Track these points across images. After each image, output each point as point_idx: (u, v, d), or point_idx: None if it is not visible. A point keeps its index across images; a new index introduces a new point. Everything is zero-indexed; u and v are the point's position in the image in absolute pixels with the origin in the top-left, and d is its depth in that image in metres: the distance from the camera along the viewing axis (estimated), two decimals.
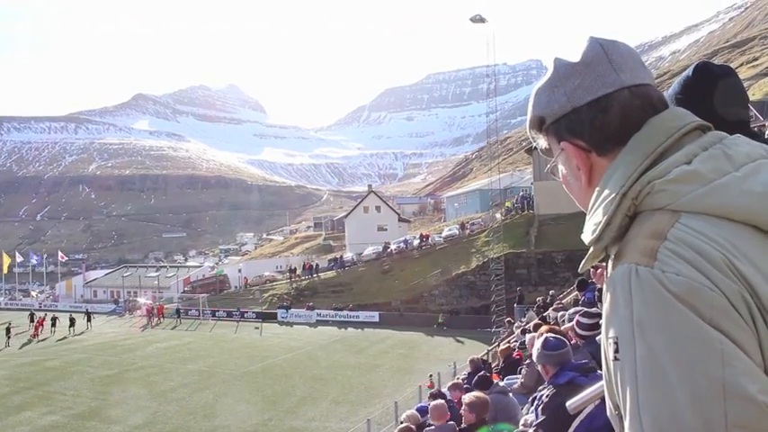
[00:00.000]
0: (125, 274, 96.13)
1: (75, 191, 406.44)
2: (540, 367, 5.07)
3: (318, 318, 59.19)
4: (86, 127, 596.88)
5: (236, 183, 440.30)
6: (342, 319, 57.95)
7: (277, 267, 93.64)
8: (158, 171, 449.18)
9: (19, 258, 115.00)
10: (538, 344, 5.06)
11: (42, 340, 51.47)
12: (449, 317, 52.55)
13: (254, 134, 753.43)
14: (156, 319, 62.45)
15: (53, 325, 55.13)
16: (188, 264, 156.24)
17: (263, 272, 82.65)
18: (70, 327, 55.20)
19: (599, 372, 4.48)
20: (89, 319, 59.47)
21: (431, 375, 26.35)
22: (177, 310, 64.48)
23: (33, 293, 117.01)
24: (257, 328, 55.94)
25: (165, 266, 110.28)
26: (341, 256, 75.44)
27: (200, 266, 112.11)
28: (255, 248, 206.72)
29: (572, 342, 6.74)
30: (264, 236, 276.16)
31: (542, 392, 4.89)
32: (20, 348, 47.08)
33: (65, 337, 52.77)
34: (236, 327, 57.33)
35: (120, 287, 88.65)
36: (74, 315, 58.62)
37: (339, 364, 37.01)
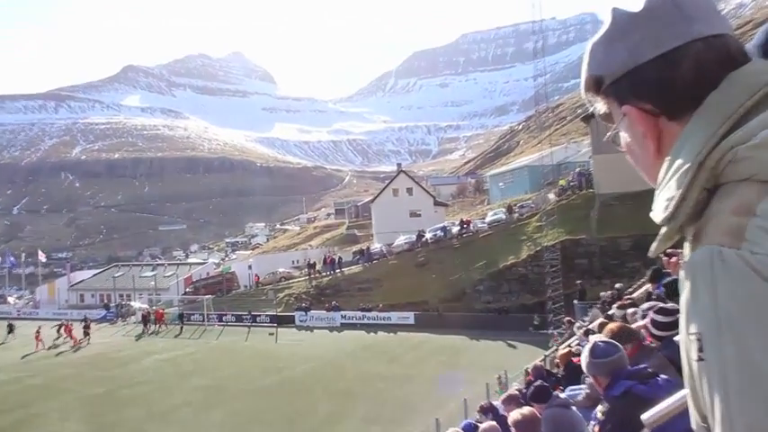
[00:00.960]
0: (116, 275, 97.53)
1: (56, 179, 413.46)
2: (591, 379, 5.01)
3: (343, 320, 59.51)
4: (68, 105, 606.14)
5: (244, 165, 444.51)
6: (370, 321, 58.14)
7: (293, 262, 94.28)
8: (152, 154, 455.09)
9: None
10: (586, 351, 5.00)
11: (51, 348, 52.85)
12: (497, 316, 52.48)
13: (263, 108, 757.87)
14: (153, 327, 63.37)
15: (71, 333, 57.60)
16: (189, 261, 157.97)
17: (277, 268, 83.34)
18: (57, 336, 56.61)
19: (660, 378, 4.39)
20: (85, 329, 59.71)
21: (499, 376, 26.27)
22: (180, 315, 65.26)
23: (11, 299, 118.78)
24: (272, 334, 56.33)
25: (163, 264, 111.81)
26: (367, 248, 75.58)
27: (204, 263, 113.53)
28: (267, 241, 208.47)
29: (645, 343, 6.63)
30: (278, 226, 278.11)
31: (597, 409, 4.82)
32: None
33: (52, 347, 53.96)
34: (246, 333, 57.83)
35: (111, 290, 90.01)
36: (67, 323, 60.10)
37: (369, 374, 37.08)
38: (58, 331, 58.30)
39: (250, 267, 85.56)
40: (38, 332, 55.94)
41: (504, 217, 67.34)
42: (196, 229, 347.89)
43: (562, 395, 9.32)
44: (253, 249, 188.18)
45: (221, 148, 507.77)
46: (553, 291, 49.08)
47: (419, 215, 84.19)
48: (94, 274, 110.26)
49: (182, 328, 62.24)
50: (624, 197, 51.59)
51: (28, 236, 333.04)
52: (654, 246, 1.31)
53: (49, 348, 54.09)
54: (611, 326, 6.48)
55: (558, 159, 79.85)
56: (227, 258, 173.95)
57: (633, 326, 7.77)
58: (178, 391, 34.88)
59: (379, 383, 34.59)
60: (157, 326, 63.59)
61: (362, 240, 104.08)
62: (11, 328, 58.81)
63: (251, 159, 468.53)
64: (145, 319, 64.19)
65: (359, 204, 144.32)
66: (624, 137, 1.42)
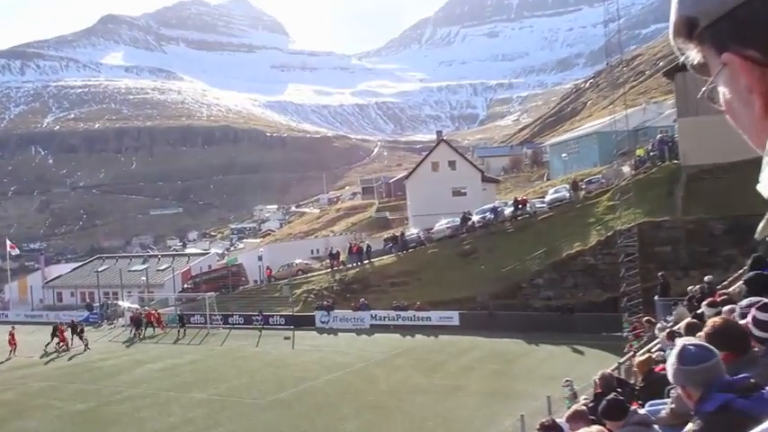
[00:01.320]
0: (100, 269, 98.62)
1: (24, 155, 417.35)
2: (679, 390, 4.98)
3: (373, 322, 59.87)
4: (37, 64, 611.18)
5: (251, 135, 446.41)
6: (406, 322, 58.36)
7: (312, 252, 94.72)
8: (140, 123, 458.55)
9: None
10: (672, 357, 4.96)
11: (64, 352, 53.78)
12: (559, 316, 52.38)
13: (273, 66, 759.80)
14: (145, 330, 64.08)
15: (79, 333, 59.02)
16: (187, 251, 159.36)
17: (294, 259, 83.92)
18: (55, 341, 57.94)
19: (766, 390, 4.36)
20: (79, 333, 59.89)
21: (567, 381, 26.43)
22: (180, 317, 65.59)
23: None
24: (288, 338, 56.86)
25: (156, 256, 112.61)
26: (401, 234, 75.76)
27: (205, 254, 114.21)
28: (281, 226, 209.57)
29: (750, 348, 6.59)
30: (293, 209, 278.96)
31: (686, 429, 4.81)
32: None
33: (44, 355, 55.17)
34: (257, 337, 58.39)
35: (95, 287, 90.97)
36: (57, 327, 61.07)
37: (405, 386, 37.34)
38: (54, 335, 58.93)
39: (260, 258, 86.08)
40: (12, 335, 57.04)
41: (567, 195, 67.08)
42: (194, 213, 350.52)
43: (641, 411, 9.34)
44: (263, 237, 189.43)
45: (223, 115, 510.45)
46: (629, 285, 48.87)
47: (464, 194, 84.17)
48: (74, 269, 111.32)
49: (183, 332, 62.85)
50: (717, 170, 51.11)
51: None
52: (760, 227, 1.28)
53: (42, 357, 55.27)
54: (715, 321, 6.41)
55: (635, 124, 79.29)
56: (232, 248, 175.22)
57: None
58: (176, 407, 35.47)
59: (417, 397, 34.83)
60: (151, 329, 64.36)
61: (395, 225, 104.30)
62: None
63: (259, 128, 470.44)
64: (135, 322, 64.94)
65: (390, 181, 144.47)
66: (723, 92, 1.38)
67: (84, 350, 56.73)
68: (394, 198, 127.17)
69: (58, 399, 38.97)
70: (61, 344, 58.20)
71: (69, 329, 60.09)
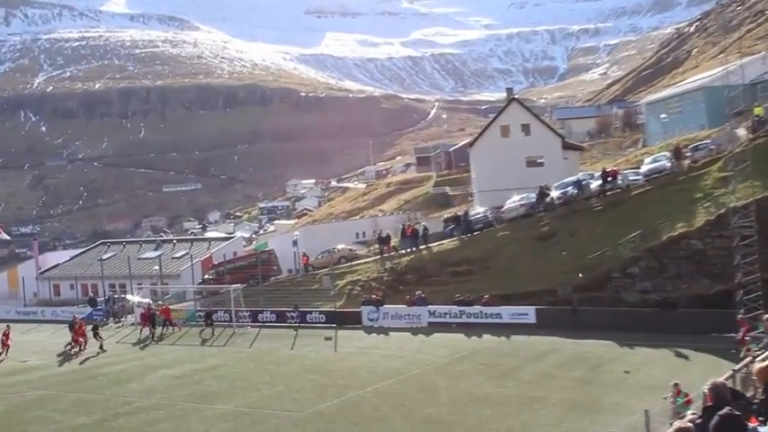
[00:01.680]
0: (104, 257, 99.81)
1: (12, 121, 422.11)
2: None
3: (432, 319, 59.97)
4: (24, 13, 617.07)
5: (282, 96, 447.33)
6: (471, 319, 58.37)
7: (358, 236, 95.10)
8: (149, 82, 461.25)
9: None
10: None
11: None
12: (659, 312, 51.96)
13: (308, 11, 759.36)
14: (160, 330, 64.78)
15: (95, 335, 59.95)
16: (208, 235, 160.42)
17: (335, 244, 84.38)
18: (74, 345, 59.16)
19: None
20: (94, 331, 61.03)
21: (676, 383, 26.08)
22: (207, 314, 65.94)
23: None
24: (329, 338, 57.10)
25: (171, 241, 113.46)
26: (465, 214, 75.62)
27: (229, 239, 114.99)
28: (320, 205, 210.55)
29: None
30: (333, 184, 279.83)
31: None
32: None
33: (62, 354, 55.89)
34: (293, 338, 58.77)
35: (98, 278, 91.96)
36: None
37: (470, 397, 37.28)
38: (72, 328, 60.27)
39: (295, 244, 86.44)
40: (6, 335, 58.15)
41: (668, 165, 66.41)
42: (216, 189, 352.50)
43: (762, 429, 9.25)
44: (299, 218, 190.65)
45: (248, 71, 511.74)
46: (745, 275, 48.17)
47: (540, 164, 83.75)
48: (73, 257, 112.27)
49: (212, 331, 63.38)
50: None
51: None
52: None
53: (61, 357, 56.40)
54: None
55: (753, 76, 78.13)
56: (261, 231, 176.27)
57: None
58: (196, 421, 35.80)
59: (484, 410, 34.84)
60: (165, 329, 65.08)
61: (457, 202, 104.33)
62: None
63: (292, 87, 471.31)
64: (147, 320, 65.48)
65: (451, 150, 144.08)
66: None
67: (99, 353, 57.59)
68: (455, 170, 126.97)
69: (56, 411, 39.45)
70: (74, 344, 59.23)
71: (91, 327, 61.32)
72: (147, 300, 75.02)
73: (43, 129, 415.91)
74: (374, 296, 64.17)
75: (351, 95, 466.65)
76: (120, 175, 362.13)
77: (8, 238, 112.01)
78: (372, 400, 37.80)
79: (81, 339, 59.22)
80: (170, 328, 65.39)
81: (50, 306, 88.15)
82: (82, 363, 54.72)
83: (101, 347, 58.33)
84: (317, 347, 54.06)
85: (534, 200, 69.69)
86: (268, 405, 37.95)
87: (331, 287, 68.58)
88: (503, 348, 49.79)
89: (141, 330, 65.30)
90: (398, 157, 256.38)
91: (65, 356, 57.15)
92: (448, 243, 71.25)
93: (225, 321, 67.12)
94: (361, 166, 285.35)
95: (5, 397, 43.76)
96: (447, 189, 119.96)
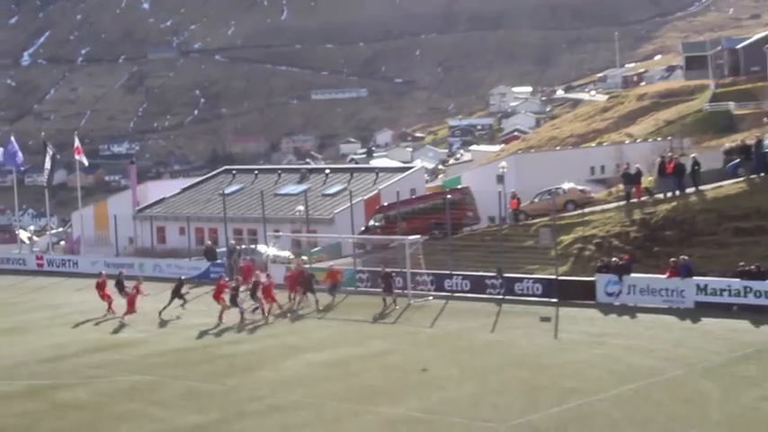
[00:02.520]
0: (228, 190, 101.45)
1: None
2: None
3: (701, 297, 59.05)
4: None
5: None
6: (762, 300, 57.14)
7: (593, 171, 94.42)
8: None
9: None
10: None
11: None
12: None
13: None
14: (310, 298, 65.81)
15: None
16: (374, 163, 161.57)
17: (560, 183, 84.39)
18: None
19: None
20: (176, 291, 64.68)
21: None
22: (385, 277, 66.12)
23: (24, 234, 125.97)
24: (547, 319, 57.24)
25: (322, 171, 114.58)
26: (757, 143, 73.92)
27: (406, 169, 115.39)
28: (537, 125, 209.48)
29: None
30: (559, 93, 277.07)
31: None
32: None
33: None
34: (494, 316, 59.08)
35: (219, 220, 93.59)
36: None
37: (756, 416, 36.49)
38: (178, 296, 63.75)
39: (501, 180, 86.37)
40: (102, 283, 60.71)
41: None
42: (387, 97, 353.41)
43: None
44: (506, 142, 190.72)
45: None
46: None
47: None
48: (185, 189, 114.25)
49: (393, 301, 64.12)
50: None
51: (52, 109, 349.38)
52: None
53: (162, 325, 59.63)
54: None
55: None
56: (452, 160, 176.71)
57: None
58: (353, 427, 36.25)
59: None
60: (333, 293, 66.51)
61: (745, 127, 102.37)
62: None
63: None
64: (297, 284, 66.46)
65: (738, 47, 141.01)
66: None
67: (176, 316, 60.35)
68: (744, 78, 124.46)
69: (158, 404, 40.48)
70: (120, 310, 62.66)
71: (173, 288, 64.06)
72: (287, 252, 76.03)
73: (145, 6, 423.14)
74: (615, 260, 63.28)
75: None
76: (251, 75, 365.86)
77: (86, 163, 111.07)
78: (609, 412, 37.07)
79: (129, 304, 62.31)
80: (333, 298, 66.38)
81: (152, 257, 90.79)
82: (200, 336, 56.35)
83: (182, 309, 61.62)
84: (528, 331, 54.15)
85: None
86: (455, 411, 37.71)
87: (552, 244, 68.31)
88: None
89: (291, 297, 66.66)
90: (657, 57, 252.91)
91: (172, 328, 58.64)
92: (729, 186, 70.11)
93: (396, 288, 67.53)
94: (600, 68, 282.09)
95: (90, 382, 45.26)
96: (730, 105, 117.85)
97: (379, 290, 65.91)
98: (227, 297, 61.05)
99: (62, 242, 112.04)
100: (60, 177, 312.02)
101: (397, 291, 66.11)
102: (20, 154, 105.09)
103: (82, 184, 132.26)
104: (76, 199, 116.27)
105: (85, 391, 43.29)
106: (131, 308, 62.46)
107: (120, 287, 66.21)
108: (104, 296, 65.62)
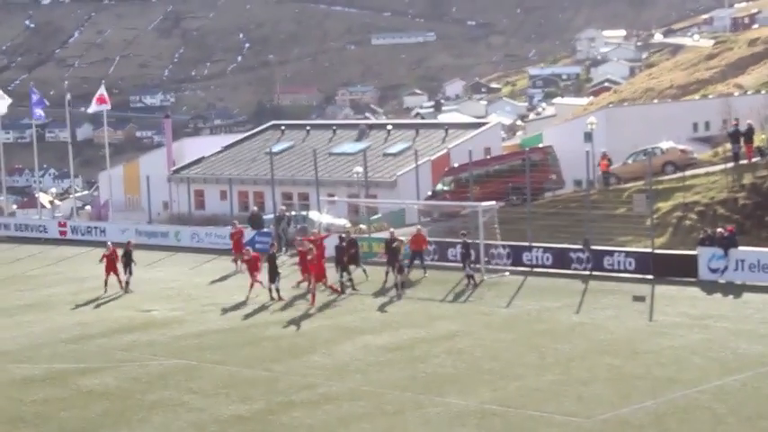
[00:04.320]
0: (276, 148, 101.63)
1: None
2: None
3: None
4: None
5: None
6: None
7: (696, 128, 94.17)
8: None
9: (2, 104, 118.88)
10: None
11: None
12: None
13: None
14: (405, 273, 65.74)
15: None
16: (443, 119, 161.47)
17: (657, 141, 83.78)
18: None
19: None
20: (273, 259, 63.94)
21: None
22: (466, 246, 66.03)
23: (46, 198, 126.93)
24: (640, 298, 57.21)
25: (383, 126, 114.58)
26: None
27: (480, 125, 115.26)
28: (632, 74, 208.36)
29: None
30: (657, 37, 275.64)
31: None
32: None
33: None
34: (580, 294, 59.10)
35: (266, 182, 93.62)
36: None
37: None
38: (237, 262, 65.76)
39: (589, 138, 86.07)
40: (112, 256, 61.42)
41: None
42: (459, 43, 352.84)
43: None
44: (594, 94, 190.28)
45: None
46: None
47: None
48: (227, 147, 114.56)
49: (471, 283, 63.93)
50: None
51: (76, 54, 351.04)
52: None
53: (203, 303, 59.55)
54: None
55: None
56: (531, 115, 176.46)
57: None
58: (416, 422, 36.13)
59: None
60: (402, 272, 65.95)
61: None
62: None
63: None
64: (343, 253, 66.40)
65: None
66: None
67: (273, 299, 60.55)
68: None
69: (195, 392, 40.86)
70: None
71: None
72: (344, 221, 76.19)
73: None
74: (721, 231, 62.90)
75: None
76: (303, 16, 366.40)
77: (103, 110, 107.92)
78: (713, 406, 36.83)
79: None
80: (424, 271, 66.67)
81: (189, 225, 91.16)
82: (247, 315, 56.69)
83: (276, 294, 60.82)
84: (619, 312, 54.16)
85: None
86: (534, 403, 37.65)
87: (648, 213, 68.01)
88: None
89: (339, 270, 65.87)
90: None
91: (211, 306, 58.94)
92: None
93: (470, 265, 67.53)
94: (705, 9, 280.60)
95: (120, 366, 45.72)
96: None
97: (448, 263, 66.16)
98: (262, 272, 61.24)
99: (87, 207, 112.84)
100: (85, 133, 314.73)
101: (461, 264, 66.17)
102: (37, 106, 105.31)
103: (110, 140, 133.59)
104: (104, 158, 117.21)
105: (113, 377, 43.69)
106: (255, 279, 62.22)
107: (127, 260, 67.04)
108: (114, 271, 66.30)
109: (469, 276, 63.68)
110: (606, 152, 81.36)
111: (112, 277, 66.33)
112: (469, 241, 66.24)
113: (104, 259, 66.42)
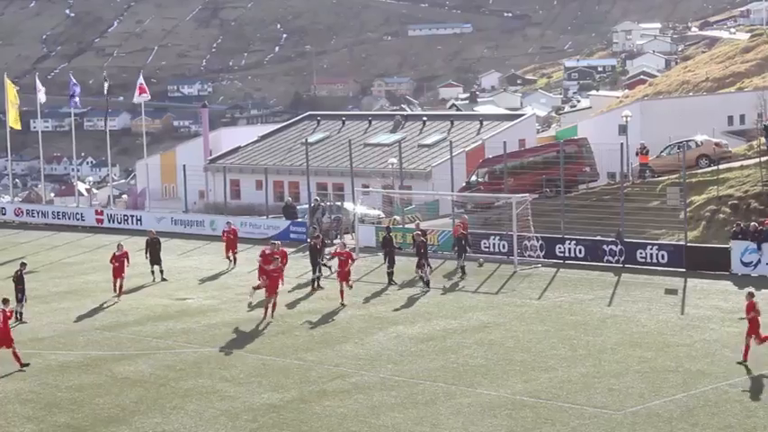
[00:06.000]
0: (312, 138, 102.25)
1: None
2: None
3: None
4: None
5: None
6: None
7: (731, 121, 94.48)
8: None
9: (41, 93, 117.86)
10: None
11: None
12: None
13: None
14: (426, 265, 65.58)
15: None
16: (479, 111, 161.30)
17: (692, 135, 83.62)
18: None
19: None
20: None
21: None
22: (463, 246, 66.28)
23: (83, 186, 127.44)
24: (673, 291, 57.37)
25: (420, 117, 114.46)
26: None
27: (515, 117, 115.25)
28: (669, 67, 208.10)
29: None
30: (694, 30, 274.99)
31: None
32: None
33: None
34: (612, 287, 59.17)
35: (301, 173, 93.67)
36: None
37: None
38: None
39: (624, 130, 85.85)
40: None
41: None
42: (495, 35, 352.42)
43: None
44: (630, 87, 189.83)
45: None
46: None
47: None
48: (263, 136, 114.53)
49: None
50: None
51: (115, 43, 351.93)
52: None
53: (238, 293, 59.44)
54: None
55: None
56: (566, 107, 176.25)
57: None
58: (448, 412, 36.30)
59: None
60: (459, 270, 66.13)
61: None
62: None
63: None
64: (385, 245, 66.51)
65: None
66: None
67: (312, 289, 61.06)
68: None
69: (228, 380, 41.18)
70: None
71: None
72: (379, 211, 76.18)
73: None
74: (754, 225, 62.67)
75: None
76: (340, 7, 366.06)
77: (144, 100, 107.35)
78: (743, 399, 36.96)
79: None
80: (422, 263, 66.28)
81: (225, 215, 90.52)
82: (288, 304, 57.40)
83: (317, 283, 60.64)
84: (651, 305, 54.28)
85: None
86: (565, 395, 37.92)
87: (681, 206, 67.88)
88: None
89: (384, 257, 66.42)
90: None
91: (245, 295, 58.96)
92: None
93: (500, 254, 67.68)
94: (741, 2, 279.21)
95: (153, 354, 46.09)
96: None
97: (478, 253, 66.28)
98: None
99: (124, 195, 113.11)
100: (123, 122, 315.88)
101: (500, 256, 66.32)
102: (74, 96, 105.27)
103: (147, 129, 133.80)
104: (141, 147, 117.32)
105: (148, 364, 44.08)
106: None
107: (155, 252, 66.75)
108: (119, 274, 63.37)
109: (461, 267, 64.40)
110: (642, 145, 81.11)
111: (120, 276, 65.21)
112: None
113: (114, 261, 63.50)
